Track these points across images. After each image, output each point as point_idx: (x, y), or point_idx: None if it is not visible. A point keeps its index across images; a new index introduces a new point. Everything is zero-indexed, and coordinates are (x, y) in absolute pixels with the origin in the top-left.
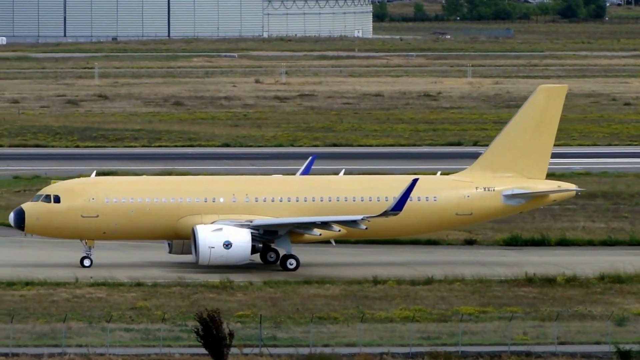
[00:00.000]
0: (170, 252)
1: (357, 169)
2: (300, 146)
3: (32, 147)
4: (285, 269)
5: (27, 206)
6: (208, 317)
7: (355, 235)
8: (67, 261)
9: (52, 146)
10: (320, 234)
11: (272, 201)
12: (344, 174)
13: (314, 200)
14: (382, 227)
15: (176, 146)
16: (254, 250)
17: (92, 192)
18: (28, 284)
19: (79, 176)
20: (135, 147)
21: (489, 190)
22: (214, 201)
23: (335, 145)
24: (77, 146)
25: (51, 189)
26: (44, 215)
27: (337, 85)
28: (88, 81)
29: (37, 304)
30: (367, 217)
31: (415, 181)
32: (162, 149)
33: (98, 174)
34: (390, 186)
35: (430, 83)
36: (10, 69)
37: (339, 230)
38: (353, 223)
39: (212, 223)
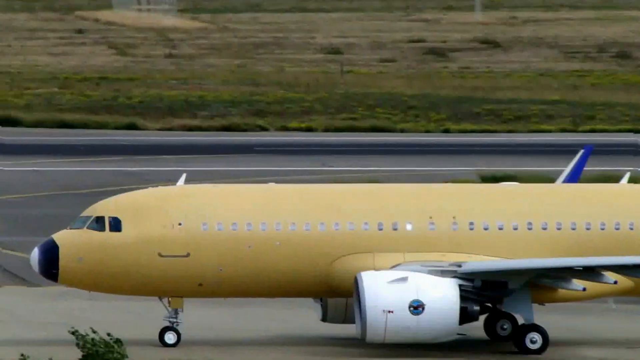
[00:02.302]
0: (323, 319)
1: None
2: None
3: (367, 133)
4: (524, 349)
5: (62, 237)
6: None
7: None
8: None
9: (401, 130)
10: (584, 289)
11: (500, 229)
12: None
13: (573, 229)
14: None
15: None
16: (465, 315)
17: (179, 212)
18: None
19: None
20: (549, 132)
21: None
22: (395, 229)
23: None
24: (447, 130)
25: (105, 206)
26: (93, 254)
27: None
28: (463, 16)
29: None
30: None
31: None
32: (599, 135)
33: (190, 181)
34: None
35: None
36: None
37: (615, 282)
38: (637, 268)
39: (391, 268)
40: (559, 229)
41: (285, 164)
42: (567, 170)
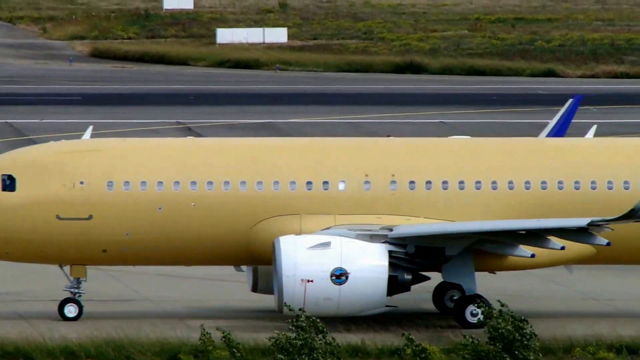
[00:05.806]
0: (254, 289)
1: None
2: None
3: None
4: (465, 323)
5: None
6: None
7: (601, 256)
8: None
9: None
10: (532, 255)
11: (445, 189)
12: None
13: (527, 188)
14: None
15: None
16: (395, 285)
17: (80, 169)
18: None
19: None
20: None
21: None
22: (325, 188)
23: None
24: None
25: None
26: None
27: None
28: None
29: None
30: (600, 220)
31: None
32: None
33: (97, 133)
34: None
35: None
36: None
37: (562, 248)
38: (580, 233)
39: (320, 232)
40: (511, 188)
41: None
42: (553, 122)
